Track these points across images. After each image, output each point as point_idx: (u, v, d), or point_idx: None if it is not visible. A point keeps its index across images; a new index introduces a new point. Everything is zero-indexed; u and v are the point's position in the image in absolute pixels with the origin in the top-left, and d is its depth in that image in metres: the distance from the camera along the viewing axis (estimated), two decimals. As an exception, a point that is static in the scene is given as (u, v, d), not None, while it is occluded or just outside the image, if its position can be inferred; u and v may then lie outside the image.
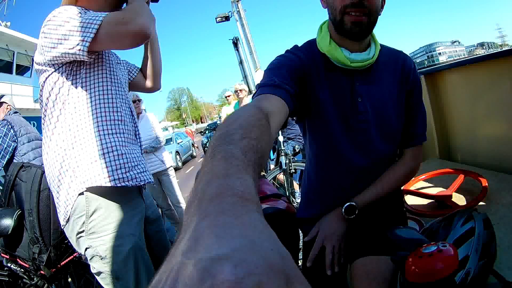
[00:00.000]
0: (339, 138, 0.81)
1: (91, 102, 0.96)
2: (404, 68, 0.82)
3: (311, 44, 0.82)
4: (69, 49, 0.87)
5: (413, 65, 0.84)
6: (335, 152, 0.83)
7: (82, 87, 0.96)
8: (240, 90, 4.53)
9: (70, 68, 0.94)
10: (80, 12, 0.89)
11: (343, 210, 0.81)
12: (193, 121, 68.64)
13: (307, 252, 0.93)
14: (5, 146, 1.83)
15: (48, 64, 0.93)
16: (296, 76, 0.72)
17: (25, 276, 1.47)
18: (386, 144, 0.83)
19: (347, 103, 0.79)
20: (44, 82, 0.95)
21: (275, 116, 0.56)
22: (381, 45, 0.84)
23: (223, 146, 0.33)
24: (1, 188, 1.64)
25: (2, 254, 1.46)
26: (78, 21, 0.87)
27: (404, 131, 0.86)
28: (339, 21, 0.73)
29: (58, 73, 0.93)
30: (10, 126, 1.88)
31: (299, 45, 0.83)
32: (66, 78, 0.94)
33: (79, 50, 0.87)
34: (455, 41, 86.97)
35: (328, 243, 0.81)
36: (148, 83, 1.27)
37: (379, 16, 0.76)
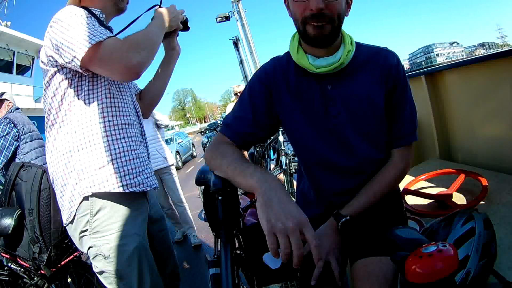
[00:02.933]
0: (313, 141, 0.83)
1: (98, 105, 0.95)
2: (385, 65, 0.80)
3: (289, 53, 0.85)
4: (65, 62, 0.87)
5: (395, 61, 0.81)
6: (312, 154, 0.85)
7: (88, 89, 0.94)
8: (240, 92, 4.57)
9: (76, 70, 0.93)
10: (81, 23, 0.86)
11: (339, 225, 0.80)
12: (197, 121, 69.51)
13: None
14: (7, 145, 1.81)
15: (52, 64, 0.92)
16: (259, 101, 0.84)
17: (25, 276, 1.47)
18: (366, 145, 0.82)
19: (317, 108, 0.81)
20: (49, 82, 0.94)
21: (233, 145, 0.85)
22: (361, 45, 0.84)
23: (246, 165, 0.73)
24: (1, 187, 1.64)
25: (2, 254, 1.46)
26: (74, 33, 0.84)
27: (390, 131, 0.84)
28: (302, 31, 0.75)
29: (63, 74, 0.92)
30: (12, 124, 1.86)
31: (281, 55, 0.88)
32: (72, 79, 0.93)
33: (74, 66, 0.86)
34: (453, 42, 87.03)
35: (332, 257, 0.79)
36: (141, 107, 1.19)
37: (346, 17, 0.76)
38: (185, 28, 1.12)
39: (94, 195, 0.92)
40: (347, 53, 0.77)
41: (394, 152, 0.85)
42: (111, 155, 0.94)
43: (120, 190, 0.93)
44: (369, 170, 0.84)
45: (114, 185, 0.93)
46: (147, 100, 1.21)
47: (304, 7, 0.71)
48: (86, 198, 0.92)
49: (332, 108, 0.80)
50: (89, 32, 0.84)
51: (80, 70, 0.88)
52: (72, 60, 0.85)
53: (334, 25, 0.72)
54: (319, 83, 0.81)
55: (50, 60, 0.91)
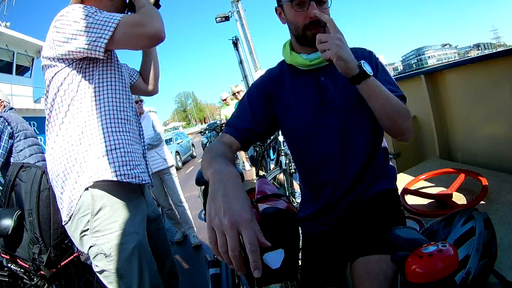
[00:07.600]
0: (310, 129, 0.90)
1: (99, 100, 0.98)
2: (362, 56, 0.91)
3: (282, 61, 0.99)
4: (85, 44, 0.89)
5: (367, 53, 0.93)
6: (308, 145, 0.92)
7: (91, 84, 0.98)
8: (238, 92, 4.61)
9: (80, 65, 0.96)
10: (96, 11, 0.91)
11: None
12: (196, 122, 70.48)
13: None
14: (2, 143, 1.83)
15: (58, 59, 0.94)
16: (257, 103, 0.93)
17: (25, 277, 1.47)
18: (359, 127, 0.88)
19: (315, 97, 0.90)
20: (52, 77, 0.96)
21: (233, 144, 0.89)
22: None
23: (215, 159, 0.72)
24: (1, 188, 1.64)
25: (2, 255, 1.46)
26: (95, 19, 0.89)
27: None
28: (301, 35, 0.86)
29: (69, 68, 0.95)
30: (7, 122, 1.89)
31: (273, 66, 1.00)
32: (76, 75, 0.96)
33: (96, 46, 0.89)
34: (445, 44, 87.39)
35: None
36: (149, 87, 1.32)
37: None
38: (156, 4, 1.12)
39: (95, 185, 0.93)
40: None
41: None
42: (110, 145, 0.97)
43: (118, 179, 0.95)
44: (361, 158, 0.89)
45: (112, 174, 0.95)
46: (150, 76, 1.31)
47: (305, 15, 0.83)
48: (86, 190, 0.93)
49: (328, 94, 0.89)
50: (107, 16, 0.90)
51: (100, 53, 0.91)
52: (95, 41, 0.88)
53: (325, 30, 0.82)
54: (313, 77, 0.91)
55: (58, 54, 0.93)
